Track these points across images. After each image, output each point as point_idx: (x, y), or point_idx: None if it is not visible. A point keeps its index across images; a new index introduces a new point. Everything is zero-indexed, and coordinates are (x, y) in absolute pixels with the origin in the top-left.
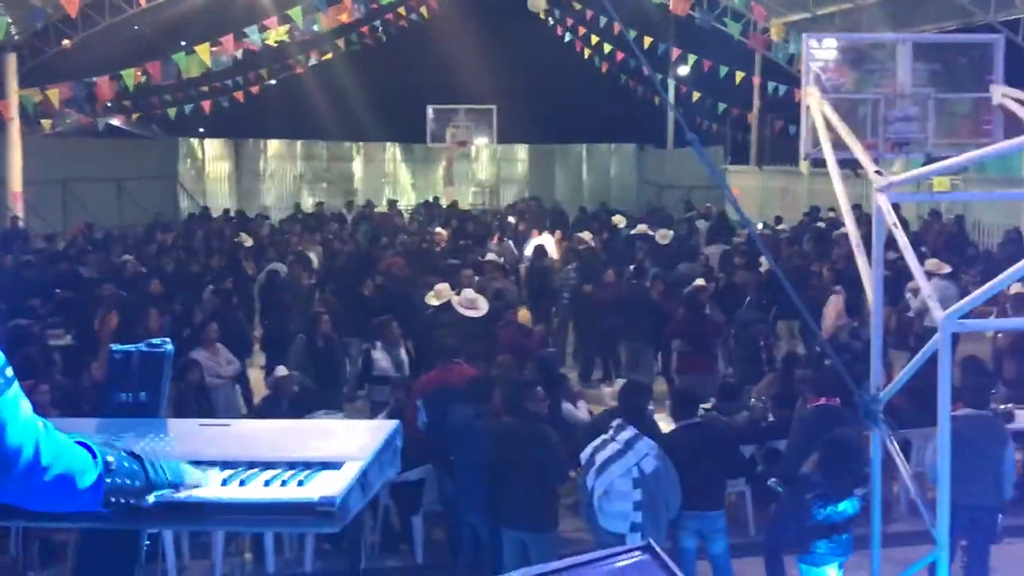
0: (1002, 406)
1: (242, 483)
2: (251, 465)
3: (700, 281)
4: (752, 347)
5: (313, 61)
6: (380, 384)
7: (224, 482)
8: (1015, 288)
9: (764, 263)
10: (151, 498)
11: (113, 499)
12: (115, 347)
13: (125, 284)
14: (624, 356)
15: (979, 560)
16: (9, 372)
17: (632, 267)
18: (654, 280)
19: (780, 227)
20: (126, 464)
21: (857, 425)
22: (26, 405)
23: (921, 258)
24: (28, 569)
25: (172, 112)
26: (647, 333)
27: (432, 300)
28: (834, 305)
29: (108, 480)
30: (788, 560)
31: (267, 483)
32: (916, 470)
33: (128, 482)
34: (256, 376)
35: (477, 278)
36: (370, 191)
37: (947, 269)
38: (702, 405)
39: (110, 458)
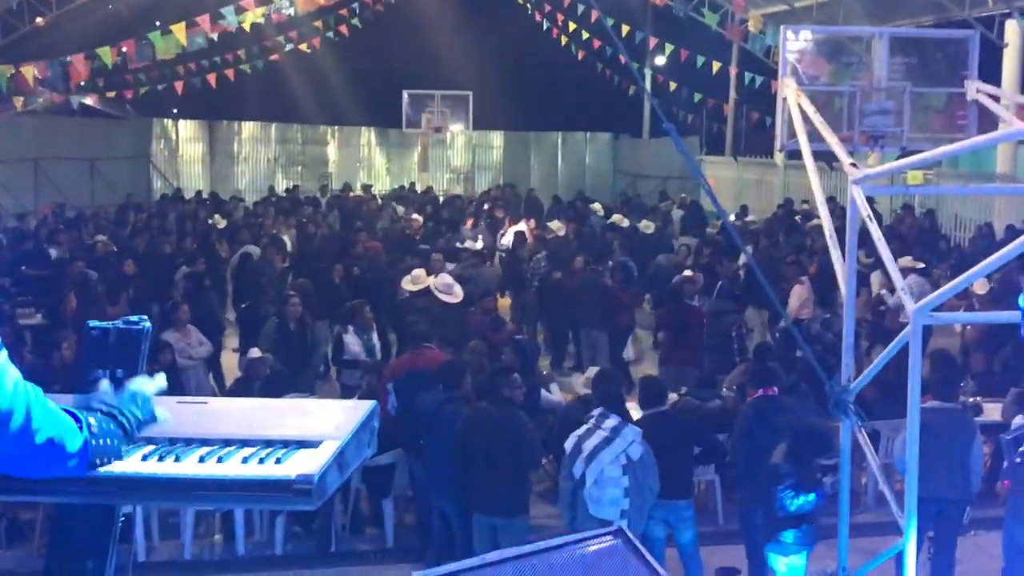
0: (970, 399)
1: (220, 460)
2: (228, 443)
3: (688, 272)
4: (724, 337)
5: (290, 47)
6: (351, 368)
7: (202, 459)
8: (983, 284)
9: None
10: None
11: (98, 461)
12: (92, 323)
13: (97, 264)
14: (584, 342)
15: (945, 551)
16: None
17: (609, 257)
18: (612, 269)
19: (748, 219)
20: (104, 425)
21: (799, 413)
22: (14, 371)
23: (894, 252)
24: None
25: (145, 92)
26: (600, 320)
27: (409, 285)
28: (796, 294)
29: (93, 443)
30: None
31: (245, 460)
32: (884, 461)
33: (110, 442)
34: (228, 358)
35: (453, 265)
36: (344, 175)
37: (920, 265)
38: (680, 391)
39: (92, 421)
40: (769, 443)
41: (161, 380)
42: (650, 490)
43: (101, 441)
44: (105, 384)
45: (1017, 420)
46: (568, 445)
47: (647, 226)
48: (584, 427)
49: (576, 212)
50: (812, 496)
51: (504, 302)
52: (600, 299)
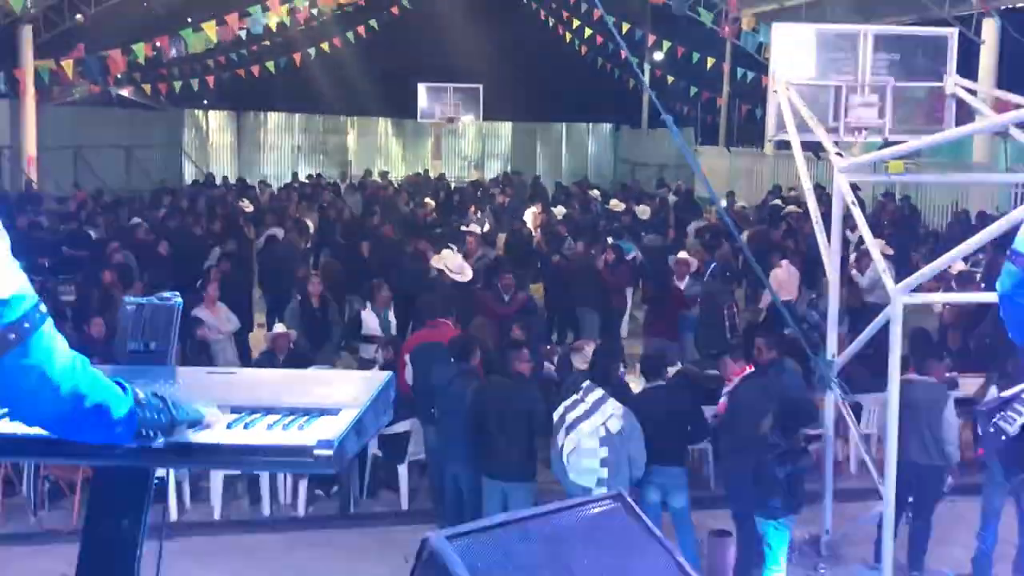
0: (947, 374)
1: (246, 427)
2: (254, 411)
3: (683, 254)
4: (716, 315)
5: (312, 50)
6: (368, 343)
7: (230, 425)
8: (959, 266)
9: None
10: (175, 433)
11: (143, 431)
12: (128, 299)
13: (132, 245)
14: (580, 322)
15: (923, 515)
16: (43, 308)
17: (610, 239)
18: (604, 251)
19: (738, 205)
20: (152, 401)
21: (785, 387)
22: (62, 340)
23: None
24: (38, 508)
25: (178, 84)
26: (592, 300)
27: (438, 264)
28: (775, 276)
29: (139, 413)
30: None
31: (270, 427)
32: (866, 431)
33: (156, 416)
34: (255, 334)
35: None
36: (363, 163)
37: (890, 251)
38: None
39: (140, 393)
40: (753, 415)
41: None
42: (633, 461)
43: (148, 413)
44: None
45: (992, 393)
46: (556, 415)
47: (643, 211)
48: (572, 398)
49: (577, 198)
50: (798, 463)
51: (537, 288)
52: (592, 281)
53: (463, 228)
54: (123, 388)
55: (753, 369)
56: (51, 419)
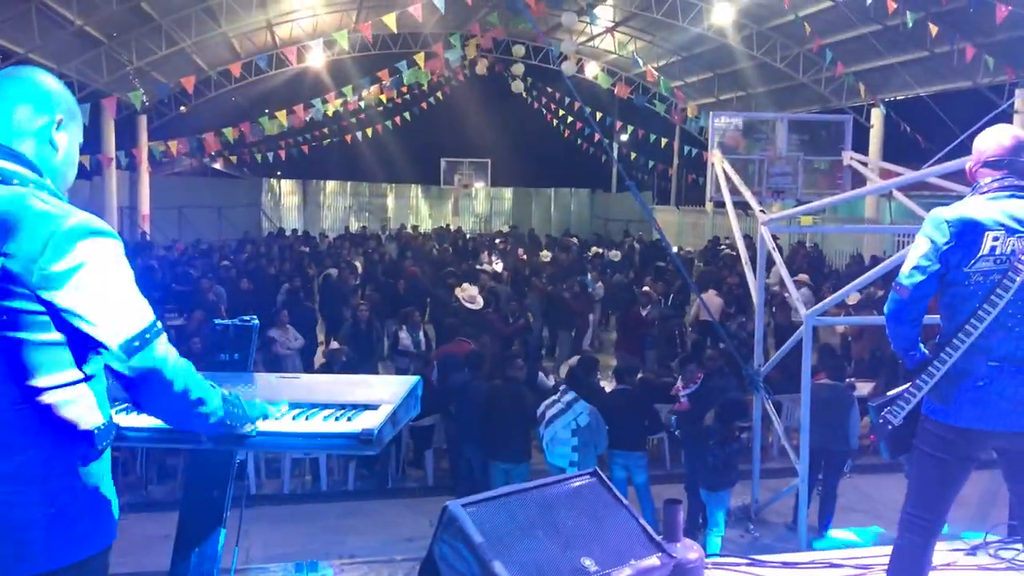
0: (849, 380)
1: (307, 418)
2: (313, 406)
3: (646, 288)
4: (670, 335)
5: (360, 133)
6: (403, 356)
7: (294, 417)
8: (856, 296)
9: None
10: (249, 427)
11: (229, 422)
12: (217, 321)
13: (222, 282)
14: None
15: (831, 489)
16: (159, 325)
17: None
18: (571, 286)
19: (684, 251)
20: (235, 399)
21: (733, 389)
22: (172, 349)
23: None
24: (148, 483)
25: (258, 158)
26: (562, 323)
27: (461, 295)
28: (709, 300)
29: (228, 407)
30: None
31: (325, 419)
32: (785, 424)
33: (238, 411)
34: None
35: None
36: (399, 218)
37: (810, 283)
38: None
39: (226, 391)
40: (702, 414)
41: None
42: (597, 446)
43: (232, 408)
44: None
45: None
46: (538, 412)
47: (615, 255)
48: (551, 399)
49: (562, 245)
50: (732, 447)
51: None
52: (561, 308)
53: (478, 267)
54: (214, 387)
55: (703, 377)
56: (165, 408)
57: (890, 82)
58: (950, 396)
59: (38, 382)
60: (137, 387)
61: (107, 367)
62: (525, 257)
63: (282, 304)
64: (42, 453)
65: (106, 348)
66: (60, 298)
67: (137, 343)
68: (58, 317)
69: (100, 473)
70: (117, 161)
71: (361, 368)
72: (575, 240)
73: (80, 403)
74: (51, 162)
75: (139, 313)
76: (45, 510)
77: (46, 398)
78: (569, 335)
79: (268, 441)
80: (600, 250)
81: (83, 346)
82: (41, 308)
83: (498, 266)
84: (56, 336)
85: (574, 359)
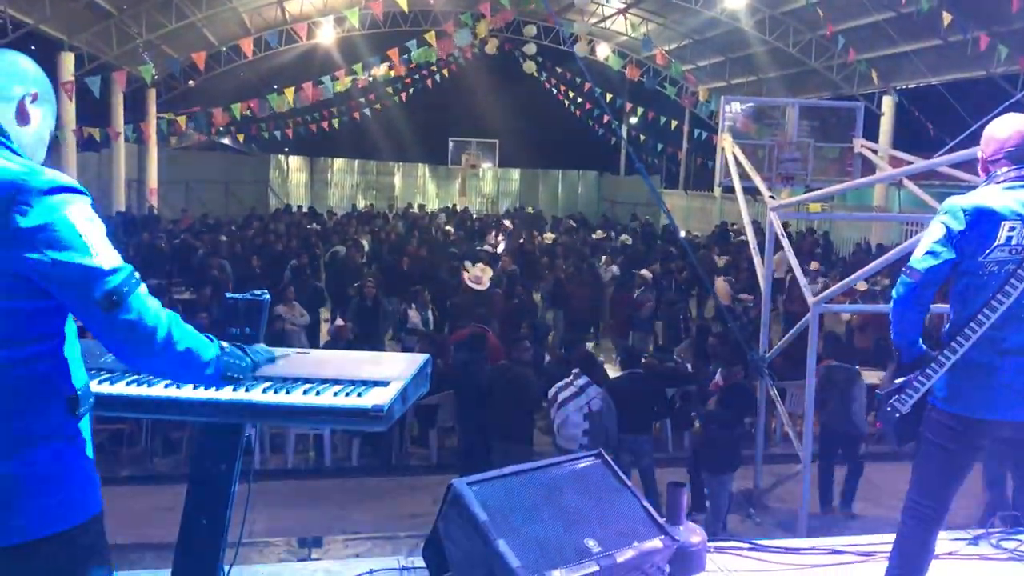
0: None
1: (318, 393)
2: (324, 381)
3: (644, 272)
4: (674, 319)
5: (368, 110)
6: (410, 334)
7: (305, 392)
8: (863, 285)
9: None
10: (256, 373)
11: (229, 374)
12: (228, 295)
13: (230, 257)
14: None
15: (854, 462)
16: (137, 275)
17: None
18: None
19: (693, 234)
20: (233, 348)
21: (748, 377)
22: (153, 300)
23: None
24: (154, 456)
25: (266, 135)
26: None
27: (466, 275)
28: (718, 286)
29: (224, 358)
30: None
31: (335, 394)
32: (789, 410)
33: (237, 361)
34: (323, 327)
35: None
36: (406, 198)
37: (818, 267)
38: (646, 356)
39: (224, 344)
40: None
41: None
42: (608, 431)
43: (230, 359)
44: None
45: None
46: (550, 393)
47: (625, 239)
48: (565, 381)
49: (568, 228)
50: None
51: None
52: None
53: (478, 248)
54: (210, 339)
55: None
56: (152, 362)
57: (903, 70)
58: (958, 385)
59: (10, 348)
60: (119, 342)
61: (88, 324)
62: (522, 240)
63: (288, 281)
64: (21, 420)
65: (87, 302)
66: (34, 256)
67: (115, 297)
68: (29, 278)
69: (82, 441)
70: (125, 134)
71: (367, 346)
72: (572, 223)
73: (54, 368)
74: (21, 132)
75: (116, 263)
76: (29, 478)
77: (20, 365)
78: (561, 313)
79: (278, 415)
80: (603, 233)
81: (57, 310)
82: (10, 270)
83: (500, 247)
84: (28, 300)
85: (590, 344)
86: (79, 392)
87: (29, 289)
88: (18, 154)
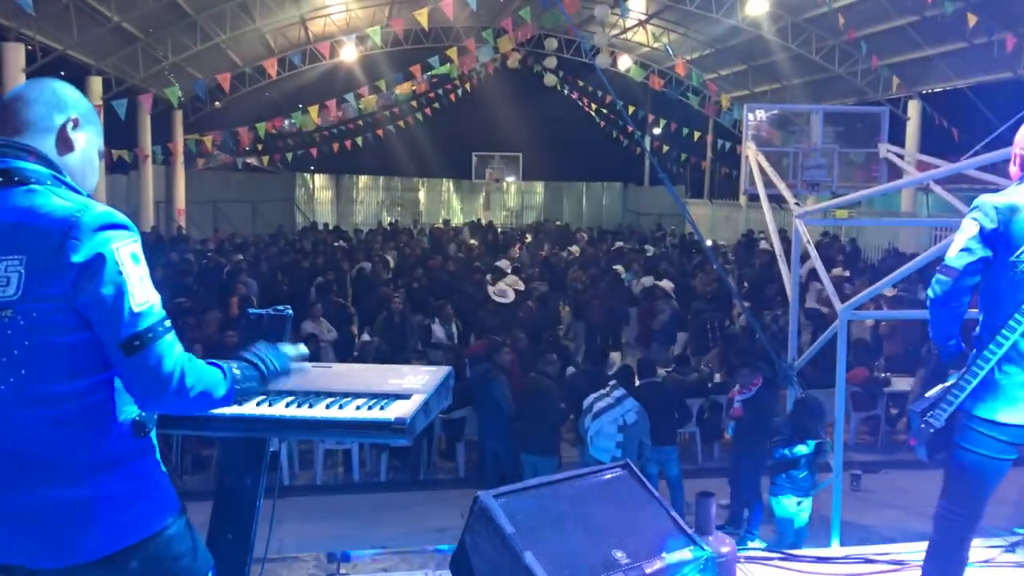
0: (883, 374)
1: (341, 407)
2: (347, 395)
3: (663, 283)
4: (702, 328)
5: (392, 127)
6: (435, 349)
7: (328, 406)
8: (891, 291)
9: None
10: (270, 385)
11: (241, 400)
12: (251, 310)
13: (257, 275)
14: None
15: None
16: (167, 323)
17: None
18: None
19: (719, 243)
20: (246, 372)
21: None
22: (178, 346)
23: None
24: (183, 474)
25: (291, 155)
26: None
27: (491, 289)
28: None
29: (236, 387)
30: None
31: (359, 407)
32: None
33: (250, 385)
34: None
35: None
36: (430, 213)
37: (847, 274)
38: (664, 368)
39: (236, 371)
40: (763, 417)
41: (302, 347)
42: (642, 443)
43: (243, 385)
44: (262, 343)
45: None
46: (585, 403)
47: (650, 250)
48: (600, 392)
49: (593, 239)
50: (797, 448)
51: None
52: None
53: (496, 264)
54: (223, 371)
55: (760, 384)
56: (163, 406)
57: (928, 74)
58: (991, 392)
59: (76, 380)
60: (135, 382)
61: (111, 362)
62: (546, 253)
63: (314, 298)
64: (91, 448)
65: (110, 342)
66: (80, 289)
67: (138, 342)
68: (80, 311)
69: (151, 455)
70: (152, 156)
71: (393, 361)
72: (584, 235)
73: (120, 396)
74: (67, 160)
75: (147, 307)
76: (104, 500)
77: (87, 394)
78: (583, 325)
79: (301, 428)
80: (622, 244)
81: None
82: (68, 306)
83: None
84: (90, 331)
85: (616, 354)
86: (143, 413)
87: (81, 323)
88: (72, 187)
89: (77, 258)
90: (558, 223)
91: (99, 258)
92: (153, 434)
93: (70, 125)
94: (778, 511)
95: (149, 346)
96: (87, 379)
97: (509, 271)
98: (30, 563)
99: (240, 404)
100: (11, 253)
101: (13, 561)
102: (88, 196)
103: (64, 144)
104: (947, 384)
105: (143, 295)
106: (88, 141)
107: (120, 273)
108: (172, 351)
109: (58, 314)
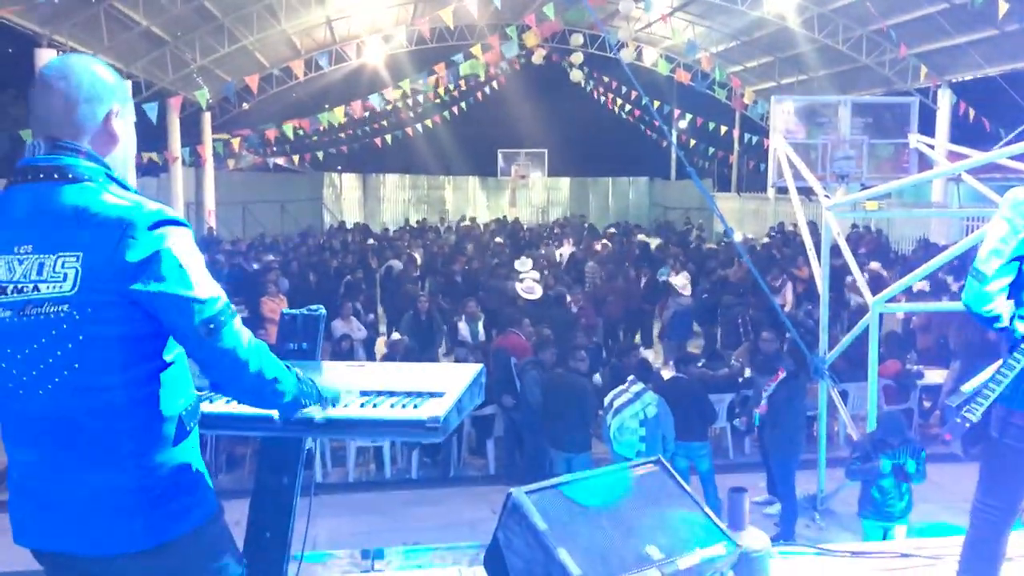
0: (915, 367)
1: (375, 406)
2: (380, 394)
3: (679, 279)
4: (732, 323)
5: (419, 126)
6: (461, 347)
7: (362, 405)
8: (922, 284)
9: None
10: (319, 412)
11: (303, 401)
12: (285, 311)
13: (287, 274)
14: None
15: None
16: (232, 308)
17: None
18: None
19: (748, 236)
20: (307, 378)
21: (808, 380)
22: (247, 331)
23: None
24: (217, 472)
25: (319, 154)
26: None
27: (518, 285)
28: (785, 292)
29: (300, 387)
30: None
31: (392, 406)
32: (852, 412)
33: (310, 390)
34: (379, 341)
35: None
36: (457, 211)
37: (884, 273)
38: (696, 364)
39: (300, 372)
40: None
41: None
42: (665, 437)
43: (305, 388)
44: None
45: (964, 387)
46: (606, 400)
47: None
48: (620, 388)
49: (621, 235)
50: (884, 465)
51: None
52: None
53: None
54: (290, 369)
55: (783, 376)
56: (242, 389)
57: (957, 62)
58: None
59: (125, 373)
60: (214, 367)
61: (189, 350)
62: (574, 250)
63: (343, 296)
64: (136, 438)
65: (187, 330)
66: (140, 287)
67: (212, 325)
68: (140, 307)
69: (191, 452)
70: (182, 158)
71: (422, 359)
72: (612, 230)
73: (166, 389)
74: (114, 153)
75: (215, 294)
76: (143, 491)
77: (134, 386)
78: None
79: (336, 427)
80: (647, 238)
81: (164, 335)
82: (123, 301)
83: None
84: (140, 326)
85: (648, 351)
86: (188, 408)
87: (141, 315)
88: (121, 183)
89: (134, 256)
90: (582, 218)
91: (157, 255)
92: (196, 432)
93: (113, 117)
94: (866, 534)
95: (221, 329)
96: (137, 370)
97: (527, 270)
98: (78, 550)
99: (299, 408)
100: (68, 249)
101: (61, 548)
102: (134, 186)
103: (110, 138)
104: (983, 378)
105: (206, 282)
106: (127, 131)
107: (180, 266)
108: (243, 334)
109: (112, 308)
